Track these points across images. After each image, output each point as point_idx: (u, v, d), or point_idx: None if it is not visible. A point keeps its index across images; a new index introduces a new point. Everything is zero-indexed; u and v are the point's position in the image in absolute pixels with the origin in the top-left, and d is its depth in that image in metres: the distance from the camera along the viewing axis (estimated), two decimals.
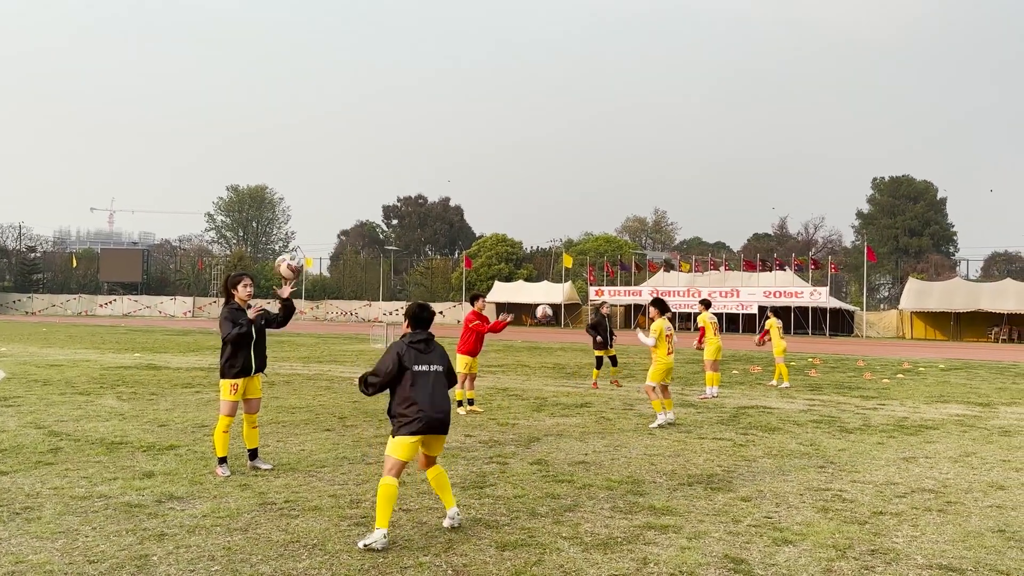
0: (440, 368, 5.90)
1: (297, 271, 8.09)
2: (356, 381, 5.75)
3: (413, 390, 5.69)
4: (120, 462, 8.04)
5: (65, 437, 9.39)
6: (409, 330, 5.97)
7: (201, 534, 5.70)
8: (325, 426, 10.56)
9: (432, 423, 5.69)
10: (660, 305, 11.33)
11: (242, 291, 7.68)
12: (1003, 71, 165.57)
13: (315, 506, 6.50)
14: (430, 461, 5.93)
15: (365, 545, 5.42)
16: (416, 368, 5.75)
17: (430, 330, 6.08)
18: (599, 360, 16.51)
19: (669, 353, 11.13)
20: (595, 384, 16.16)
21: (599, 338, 16.39)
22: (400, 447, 5.67)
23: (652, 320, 11.18)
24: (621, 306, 59.71)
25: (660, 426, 10.82)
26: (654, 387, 11.07)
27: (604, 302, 19.12)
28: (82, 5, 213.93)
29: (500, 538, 5.70)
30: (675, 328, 19.88)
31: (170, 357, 22.41)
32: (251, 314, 7.57)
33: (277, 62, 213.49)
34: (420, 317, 6.00)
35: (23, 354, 22.65)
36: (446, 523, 5.93)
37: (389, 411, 5.83)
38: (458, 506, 6.13)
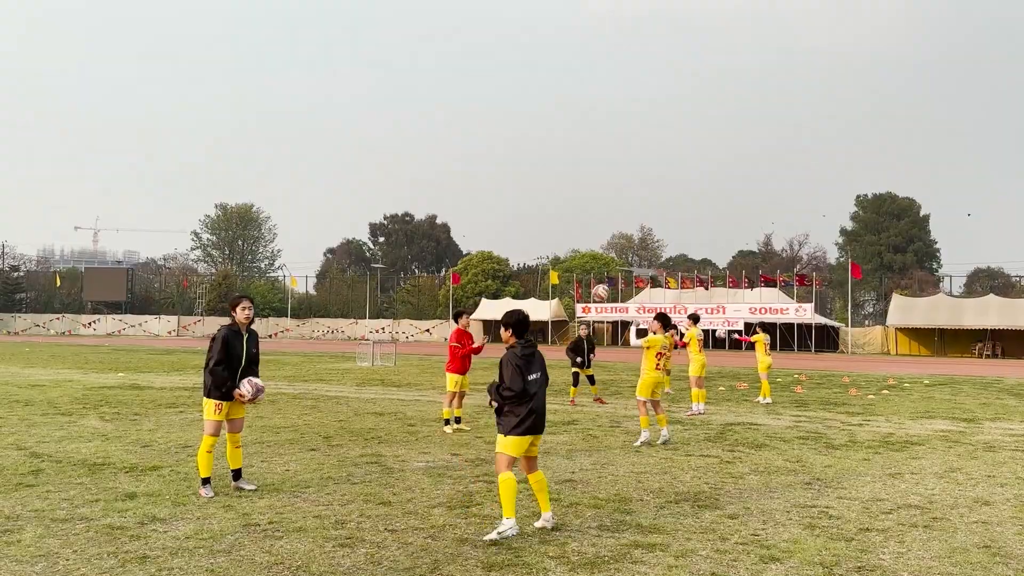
0: (541, 375, 6.52)
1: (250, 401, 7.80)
2: (488, 390, 6.50)
3: (530, 395, 6.34)
4: (102, 483, 7.95)
5: (46, 458, 9.28)
6: (514, 340, 6.53)
7: (184, 556, 5.63)
8: (310, 446, 10.49)
9: (540, 424, 6.43)
10: (663, 320, 11.45)
11: (240, 314, 7.75)
12: (986, 88, 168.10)
13: (299, 527, 6.44)
14: (532, 463, 6.50)
15: (499, 534, 6.02)
16: (531, 376, 6.38)
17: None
18: (576, 376, 16.90)
19: (657, 368, 11.14)
20: (572, 401, 16.37)
21: (579, 359, 16.83)
22: (513, 444, 6.29)
23: (655, 333, 11.27)
24: (608, 323, 59.82)
25: (644, 443, 10.74)
26: (644, 401, 11.06)
27: (584, 324, 19.79)
28: (69, 16, 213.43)
29: (487, 558, 5.66)
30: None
31: (154, 377, 22.23)
32: (245, 399, 7.55)
33: (265, 81, 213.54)
34: (524, 326, 6.61)
35: (5, 374, 22.41)
36: (539, 524, 6.45)
37: (498, 411, 6.38)
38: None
